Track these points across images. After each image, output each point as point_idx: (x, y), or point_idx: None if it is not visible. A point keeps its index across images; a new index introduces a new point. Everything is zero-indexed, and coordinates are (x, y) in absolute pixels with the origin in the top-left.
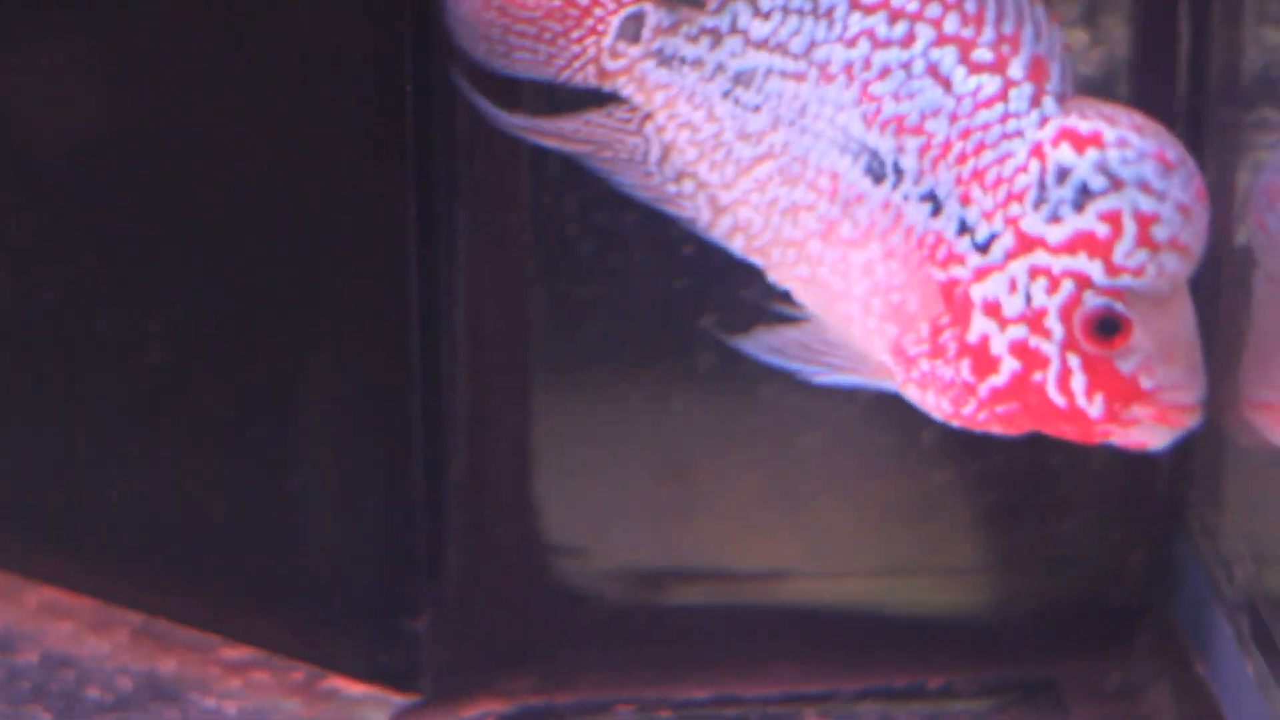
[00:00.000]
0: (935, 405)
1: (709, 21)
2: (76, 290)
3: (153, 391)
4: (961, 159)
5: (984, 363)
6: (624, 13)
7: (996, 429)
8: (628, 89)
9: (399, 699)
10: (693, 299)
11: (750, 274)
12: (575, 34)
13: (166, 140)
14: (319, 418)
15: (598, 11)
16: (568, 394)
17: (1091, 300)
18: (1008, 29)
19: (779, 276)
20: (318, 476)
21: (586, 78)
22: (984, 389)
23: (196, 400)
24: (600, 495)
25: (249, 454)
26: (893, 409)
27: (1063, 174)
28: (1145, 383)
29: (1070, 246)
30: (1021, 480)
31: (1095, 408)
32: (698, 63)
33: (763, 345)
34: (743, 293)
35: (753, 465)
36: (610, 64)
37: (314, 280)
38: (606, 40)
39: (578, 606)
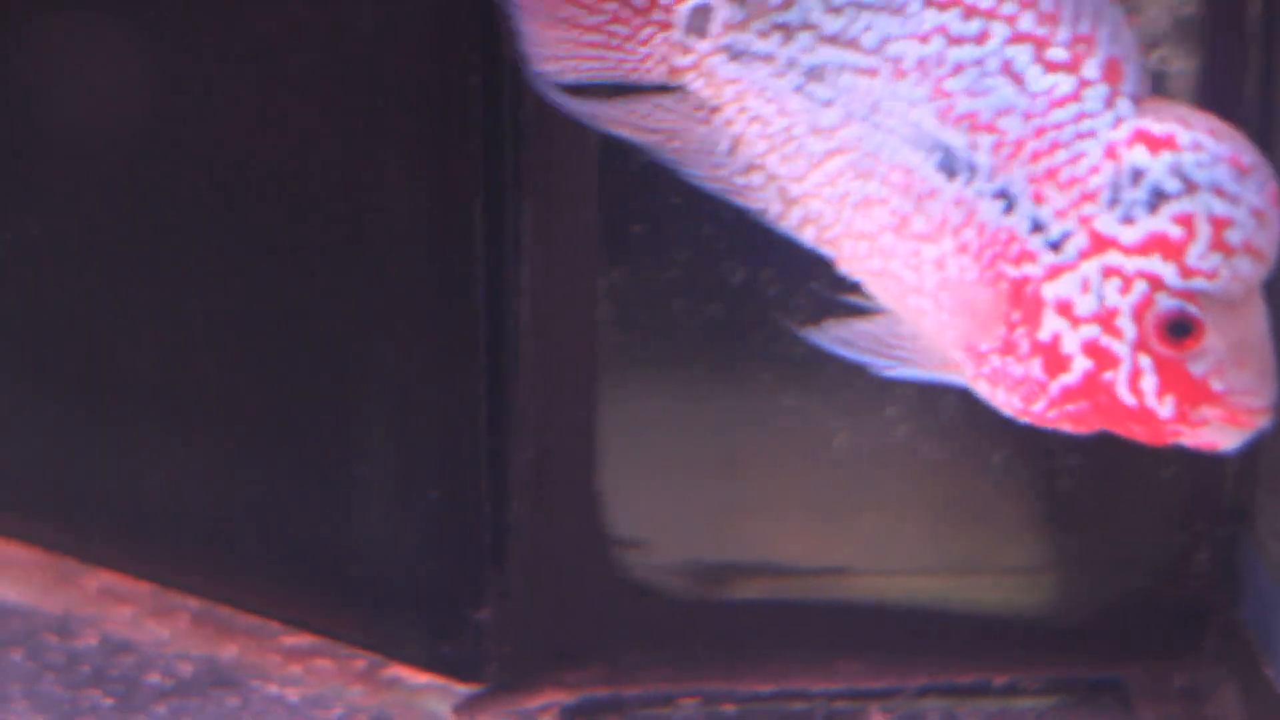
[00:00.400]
0: (1006, 401)
1: (780, 16)
2: (141, 279)
3: (218, 378)
4: (1035, 157)
5: (1055, 361)
6: (689, 4)
7: (1066, 427)
8: (697, 83)
9: (462, 688)
10: (760, 294)
11: (820, 267)
12: (643, 34)
13: (234, 130)
14: (383, 407)
15: (660, 9)
16: (633, 387)
17: (1164, 302)
18: (1084, 28)
19: (851, 269)
20: (382, 465)
21: (657, 76)
22: (1055, 387)
23: (262, 388)
24: (664, 489)
25: (312, 442)
26: (959, 406)
27: (1137, 175)
28: (1216, 385)
29: (1144, 248)
30: (1087, 480)
31: (1166, 408)
32: (769, 58)
33: (833, 338)
34: (813, 285)
35: (818, 461)
36: (680, 60)
37: (380, 270)
38: (675, 35)
39: (642, 599)
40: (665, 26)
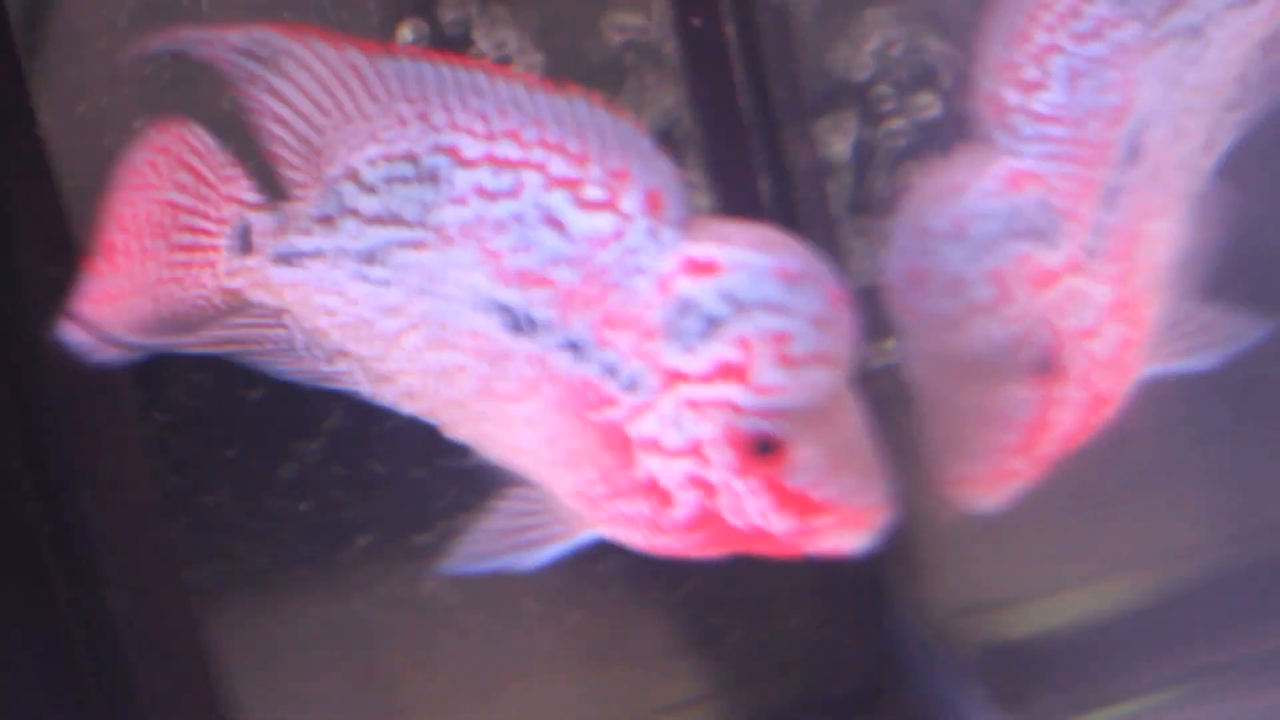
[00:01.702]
0: (634, 540)
1: (316, 210)
2: None
3: None
4: (590, 303)
5: (660, 497)
6: (229, 230)
7: (701, 554)
8: (259, 295)
9: None
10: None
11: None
12: (193, 272)
13: None
14: None
15: (205, 240)
16: None
17: (743, 424)
18: (615, 163)
19: (457, 435)
20: None
21: (219, 303)
22: (667, 522)
23: None
24: None
25: None
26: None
27: (688, 305)
28: (820, 494)
29: (711, 376)
30: (720, 602)
31: (779, 525)
32: (318, 254)
33: (465, 558)
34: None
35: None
36: (230, 283)
37: None
38: (222, 266)
39: None
40: (212, 261)
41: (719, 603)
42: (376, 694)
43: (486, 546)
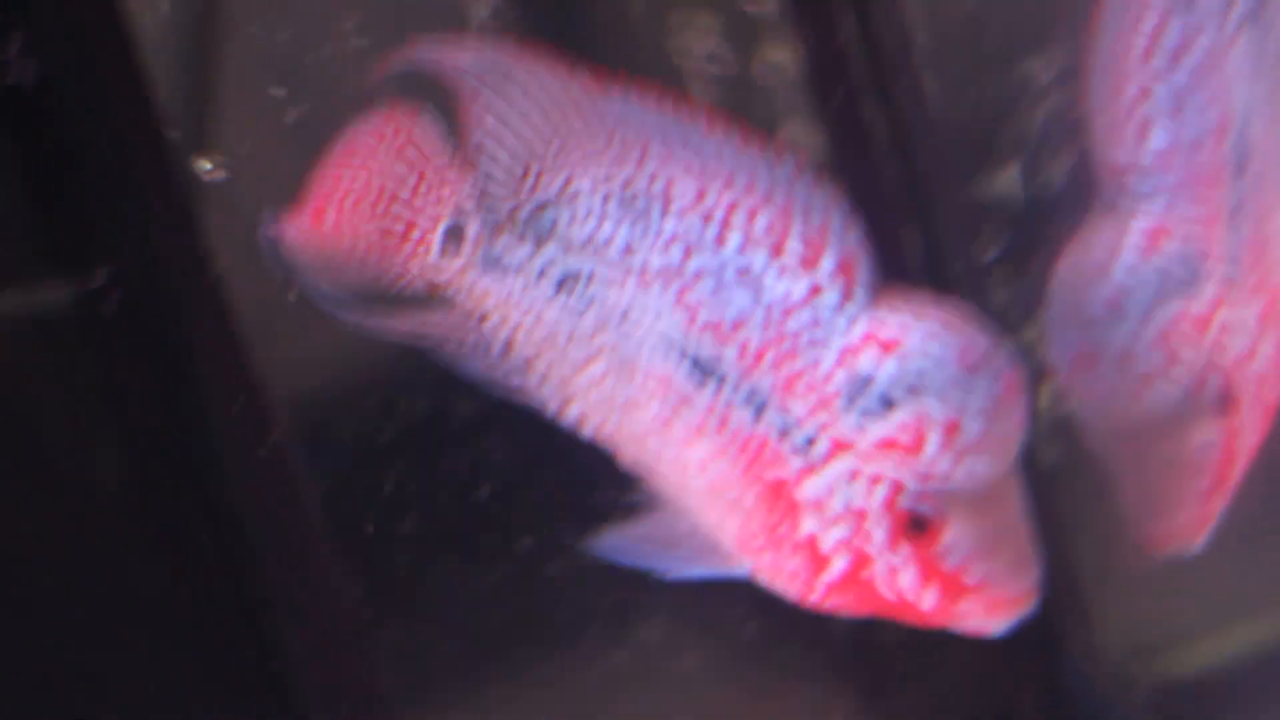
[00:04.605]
0: (785, 591)
1: (525, 228)
2: None
3: None
4: (776, 365)
5: (815, 559)
6: (442, 226)
7: (846, 613)
8: (460, 296)
9: None
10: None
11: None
12: (399, 257)
13: None
14: None
15: (416, 233)
16: None
17: (904, 502)
18: (813, 229)
19: (632, 465)
20: None
21: (418, 291)
22: (820, 583)
23: None
24: None
25: None
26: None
27: (866, 382)
28: (969, 578)
29: (879, 452)
30: (894, 654)
31: (926, 601)
32: (521, 269)
33: (613, 546)
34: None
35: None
36: (437, 277)
37: None
38: (431, 258)
39: None
40: (421, 252)
41: (886, 657)
42: (532, 690)
43: (637, 544)
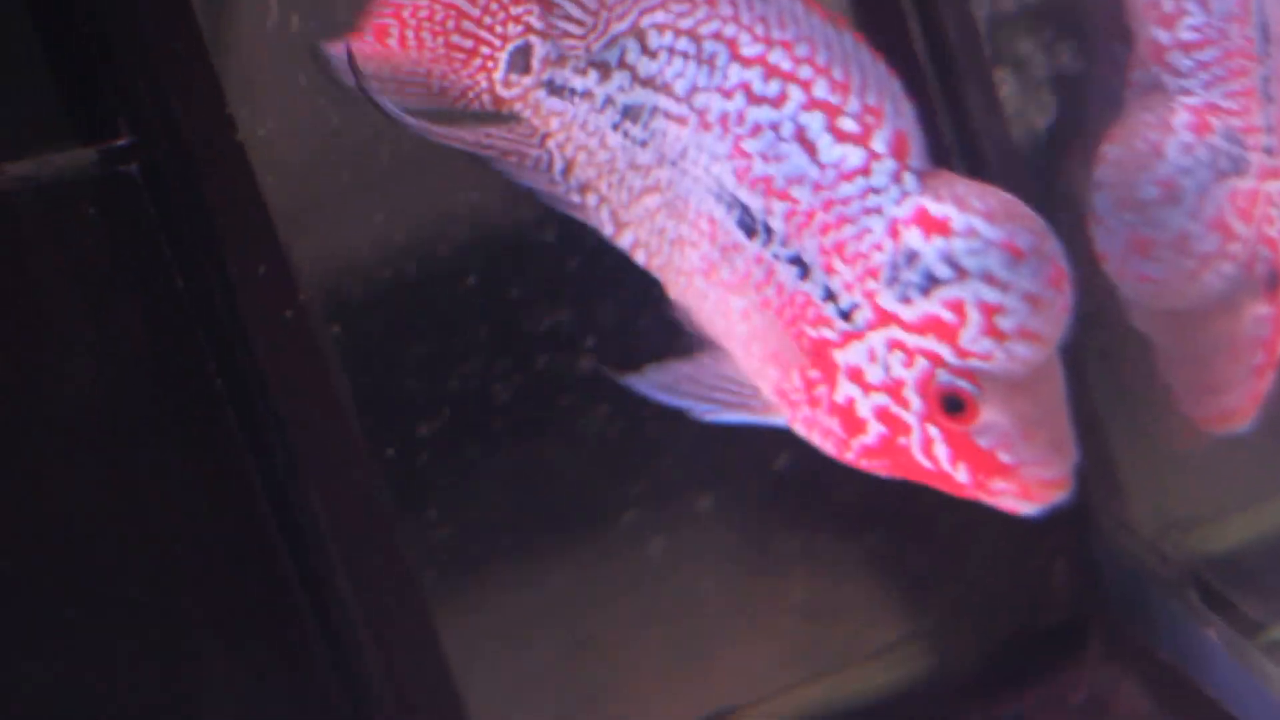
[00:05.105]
0: (822, 446)
1: (596, 56)
2: None
3: None
4: (824, 229)
5: (853, 422)
6: (511, 46)
7: (880, 473)
8: (526, 113)
9: None
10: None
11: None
12: (465, 72)
13: None
14: None
15: (485, 50)
16: None
17: (942, 378)
18: (871, 100)
19: (678, 299)
20: None
21: (483, 105)
22: (856, 445)
23: None
24: None
25: None
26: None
27: (912, 258)
28: (1004, 458)
29: (921, 327)
30: (929, 539)
31: (960, 474)
32: (588, 94)
33: (653, 383)
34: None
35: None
36: (504, 92)
37: None
38: (498, 74)
39: None
40: (487, 68)
41: (920, 545)
42: (592, 663)
43: (678, 384)
